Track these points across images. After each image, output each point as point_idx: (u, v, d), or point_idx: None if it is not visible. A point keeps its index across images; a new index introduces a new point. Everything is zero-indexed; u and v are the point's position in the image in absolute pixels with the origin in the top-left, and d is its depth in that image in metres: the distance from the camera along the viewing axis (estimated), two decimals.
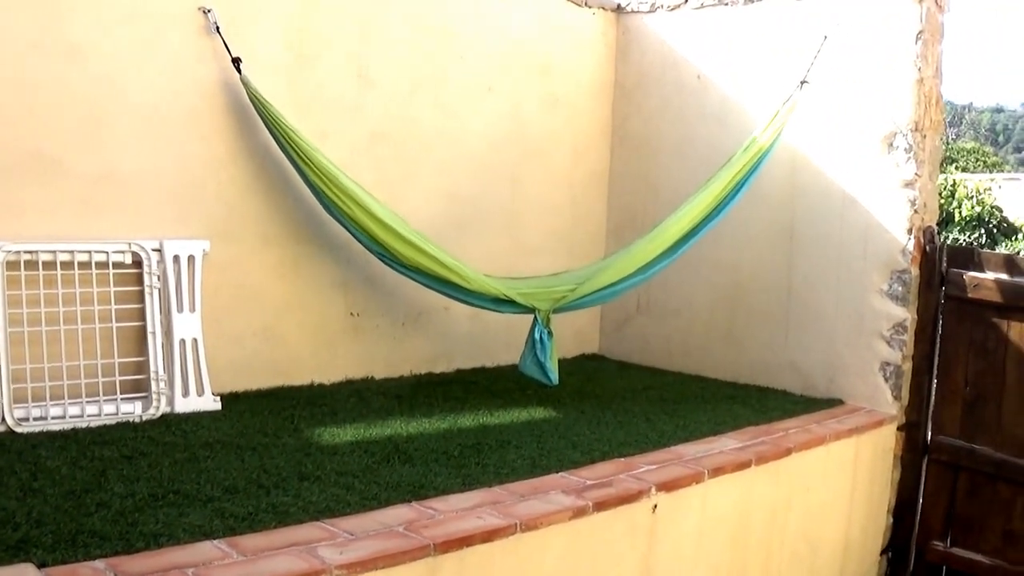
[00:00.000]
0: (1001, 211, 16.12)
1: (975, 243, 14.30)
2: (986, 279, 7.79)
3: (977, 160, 28.65)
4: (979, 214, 14.94)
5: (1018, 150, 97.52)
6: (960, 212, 14.78)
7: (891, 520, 8.17)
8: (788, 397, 8.09)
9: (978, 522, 7.97)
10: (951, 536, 8.10)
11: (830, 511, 7.32)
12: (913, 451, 8.09)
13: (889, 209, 7.87)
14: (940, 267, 7.93)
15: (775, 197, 8.31)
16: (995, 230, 15.14)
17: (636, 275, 7.46)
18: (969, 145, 29.77)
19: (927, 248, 7.90)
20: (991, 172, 24.17)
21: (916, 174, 7.78)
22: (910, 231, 7.81)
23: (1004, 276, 7.76)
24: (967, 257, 8.02)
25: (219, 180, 6.89)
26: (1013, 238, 14.99)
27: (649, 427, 6.81)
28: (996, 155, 43.13)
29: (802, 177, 8.22)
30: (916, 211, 7.80)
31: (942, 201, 15.06)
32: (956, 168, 21.76)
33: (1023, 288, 7.66)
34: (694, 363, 8.74)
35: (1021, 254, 12.67)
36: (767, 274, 8.43)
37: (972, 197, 15.12)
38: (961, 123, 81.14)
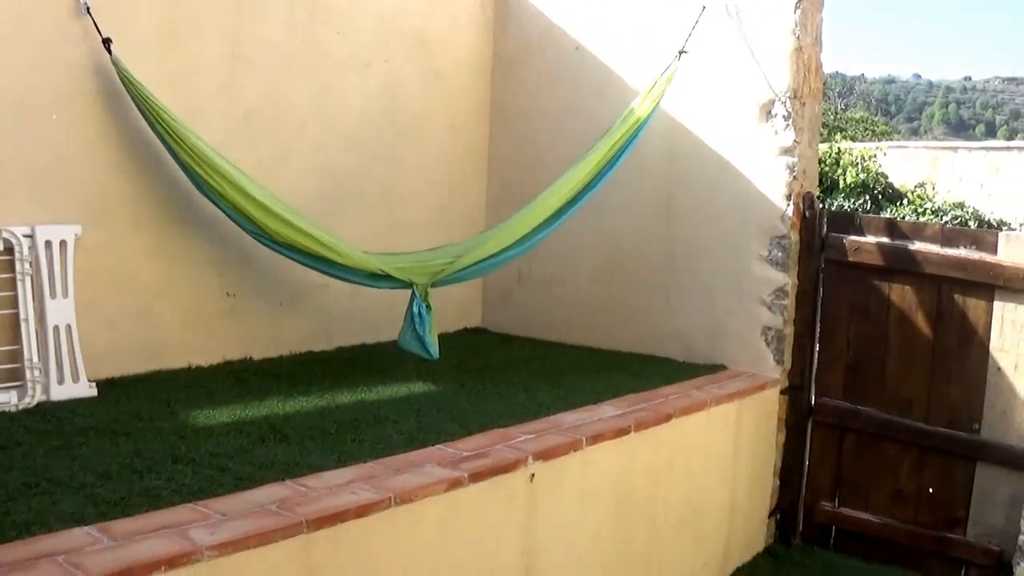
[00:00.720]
0: (886, 177, 16.32)
1: (860, 209, 14.42)
2: (867, 243, 7.87)
3: (866, 129, 28.98)
4: (864, 181, 15.11)
5: (910, 120, 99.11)
6: (845, 179, 14.93)
7: (778, 482, 8.27)
8: (671, 364, 8.12)
9: (866, 482, 8.11)
10: (839, 496, 8.23)
11: (714, 475, 7.37)
12: (797, 414, 8.19)
13: (768, 176, 7.93)
14: (820, 232, 8.02)
15: (654, 166, 8.33)
16: (880, 196, 15.31)
17: (515, 247, 7.43)
18: (858, 115, 30.12)
19: (807, 214, 7.97)
20: (879, 141, 24.44)
21: (795, 141, 7.84)
22: (789, 197, 7.87)
23: (885, 239, 7.86)
24: (847, 221, 8.11)
25: (90, 163, 6.72)
26: (898, 203, 15.14)
27: (529, 398, 6.81)
28: (887, 125, 43.72)
29: (681, 146, 8.25)
30: (795, 177, 7.86)
31: (827, 168, 15.22)
32: (845, 137, 21.96)
33: (904, 251, 7.76)
34: (577, 333, 8.74)
35: (905, 219, 12.80)
36: (647, 243, 8.44)
37: (857, 164, 15.27)
38: (852, 94, 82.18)
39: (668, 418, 6.61)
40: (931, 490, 7.86)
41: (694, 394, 7.17)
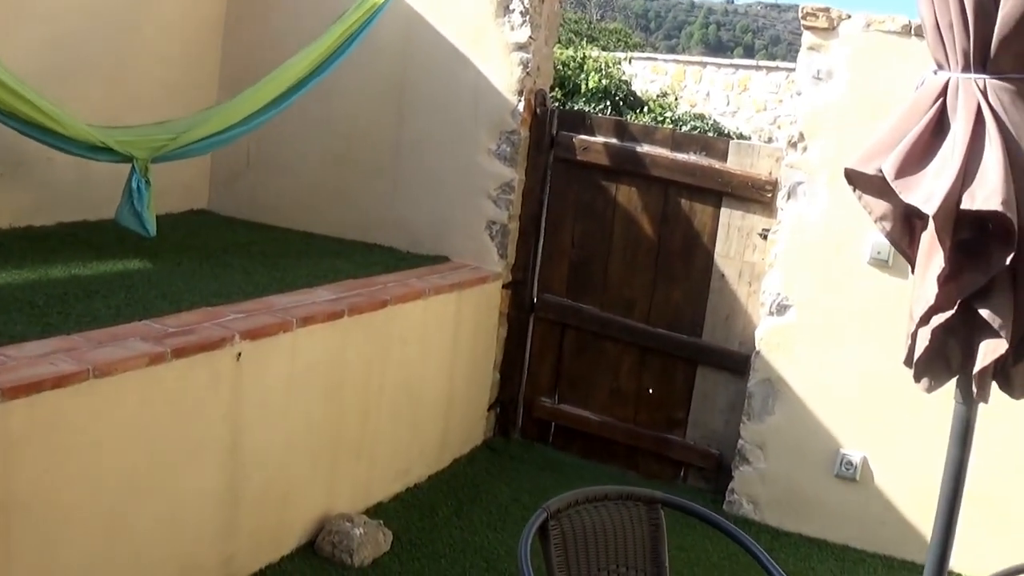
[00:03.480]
0: (629, 85, 16.58)
1: (601, 113, 14.61)
2: (595, 142, 7.95)
3: (619, 41, 29.35)
4: (606, 87, 15.30)
5: (668, 37, 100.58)
6: (587, 84, 15.09)
7: (499, 376, 8.36)
8: (394, 253, 8.07)
9: (586, 380, 8.25)
10: (559, 393, 8.35)
11: (432, 365, 7.40)
12: (519, 309, 8.26)
13: (501, 71, 7.90)
14: (551, 130, 8.05)
15: (389, 55, 8.21)
16: (621, 103, 15.54)
17: (240, 125, 7.25)
18: (612, 26, 30.51)
19: (538, 111, 7.99)
20: (630, 51, 24.85)
21: (530, 38, 7.82)
22: (521, 93, 7.87)
23: (614, 140, 7.94)
24: (578, 121, 8.16)
25: None
26: (639, 111, 15.40)
27: (246, 279, 6.68)
28: (645, 40, 44.29)
29: (416, 35, 8.14)
30: (528, 74, 7.86)
31: (570, 73, 15.35)
32: (597, 47, 22.21)
33: (633, 152, 7.85)
34: (304, 219, 8.59)
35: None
36: (377, 131, 8.34)
37: (601, 70, 15.46)
38: (612, 7, 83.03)
39: (383, 304, 6.58)
40: (651, 391, 8.05)
41: (413, 283, 7.14)
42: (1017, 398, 2.85)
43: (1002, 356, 2.74)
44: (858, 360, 7.14)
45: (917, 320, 2.67)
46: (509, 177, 7.93)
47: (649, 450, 8.09)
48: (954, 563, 7.03)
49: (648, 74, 21.44)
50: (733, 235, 7.67)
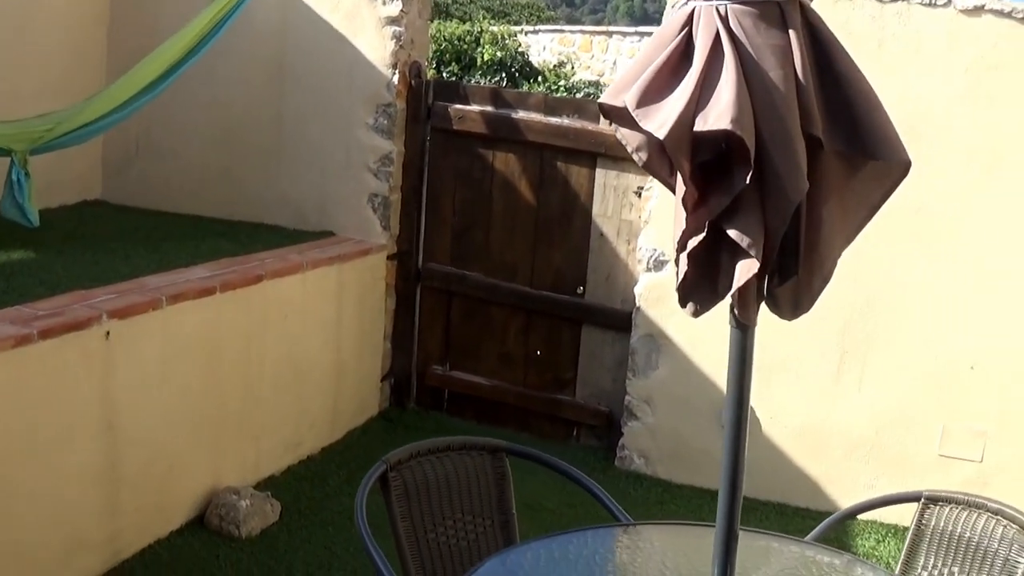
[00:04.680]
0: (524, 55, 16.64)
1: (496, 84, 14.67)
2: (471, 111, 8.04)
3: (531, 15, 29.44)
4: (502, 58, 15.37)
5: (594, 11, 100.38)
6: (483, 57, 15.16)
7: (390, 347, 8.44)
8: (280, 231, 8.14)
9: (475, 346, 8.37)
10: (450, 360, 8.45)
11: (316, 339, 7.47)
12: (406, 279, 8.36)
13: (375, 45, 7.97)
14: (426, 101, 8.14)
15: (266, 36, 8.24)
16: (517, 74, 15.61)
17: (117, 112, 7.28)
18: (524, 1, 30.61)
19: (413, 83, 8.07)
20: (541, 24, 24.89)
21: (403, 11, 7.88)
22: (395, 66, 7.95)
23: (489, 108, 8.03)
24: (453, 91, 8.25)
25: None
26: (534, 81, 15.49)
27: (125, 263, 6.73)
28: (572, 15, 44.13)
29: (293, 15, 8.16)
30: (402, 47, 7.94)
31: (466, 47, 15.41)
32: (508, 22, 22.26)
33: (507, 118, 7.96)
34: (192, 203, 8.60)
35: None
36: (259, 110, 8.39)
37: (497, 43, 15.53)
38: None
39: (258, 279, 6.65)
40: (539, 353, 8.17)
41: (291, 257, 7.21)
42: (787, 319, 2.97)
43: (768, 278, 2.87)
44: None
45: (677, 246, 2.78)
46: (388, 149, 8.01)
47: (541, 411, 8.23)
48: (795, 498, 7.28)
49: (556, 46, 21.48)
50: (609, 195, 7.79)
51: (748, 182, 2.59)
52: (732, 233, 2.66)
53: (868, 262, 6.81)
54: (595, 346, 8.03)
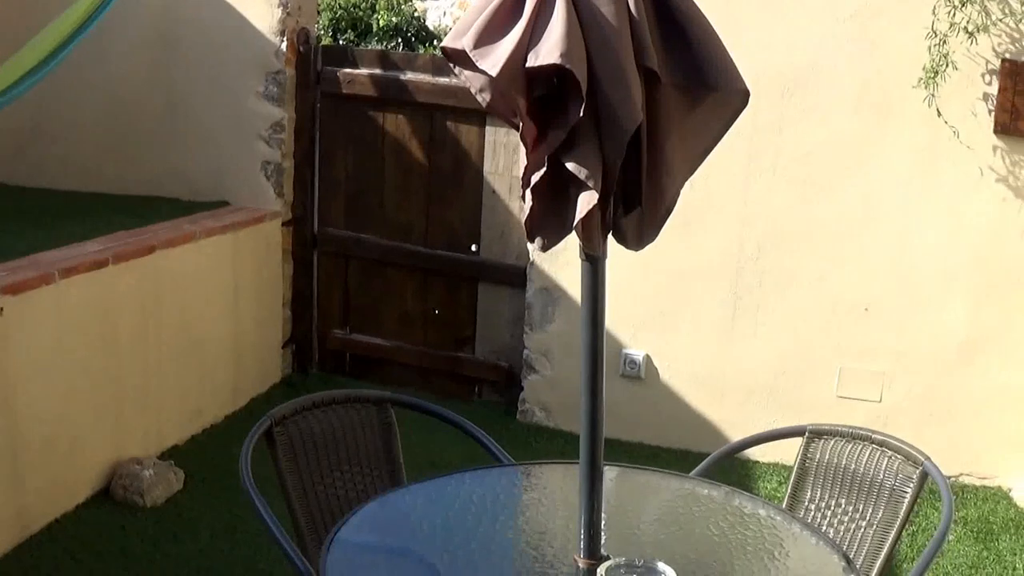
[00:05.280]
0: (421, 20, 16.61)
1: (393, 49, 14.65)
2: (360, 74, 8.08)
3: None
4: (397, 24, 15.33)
5: None
6: (379, 23, 15.13)
7: (289, 313, 8.51)
8: (176, 204, 8.10)
9: (374, 307, 8.44)
10: (350, 324, 8.52)
11: (213, 308, 7.51)
12: (302, 245, 8.41)
13: (262, 13, 7.96)
14: (315, 66, 8.15)
15: (152, 7, 8.18)
16: (413, 38, 15.59)
17: (2, 96, 7.28)
18: None
19: (301, 49, 8.09)
20: None
21: None
22: (283, 33, 7.96)
23: (378, 71, 8.07)
24: (342, 55, 8.29)
25: None
26: (430, 44, 15.48)
27: (20, 241, 6.67)
28: None
29: None
30: (290, 14, 7.94)
31: (361, 14, 15.35)
32: None
33: (396, 80, 8.01)
34: (89, 181, 8.53)
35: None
36: (149, 84, 8.34)
37: (392, 8, 15.50)
38: None
39: (151, 250, 6.67)
40: (437, 312, 8.26)
41: (184, 227, 7.23)
42: (633, 249, 3.05)
43: (613, 209, 2.96)
44: (627, 259, 7.38)
45: (522, 182, 2.85)
46: (279, 116, 8.05)
47: (442, 370, 8.33)
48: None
49: (455, 11, 21.46)
50: (500, 152, 7.87)
51: (582, 115, 2.66)
52: (570, 166, 2.72)
53: (759, 207, 6.96)
54: (492, 303, 8.13)
